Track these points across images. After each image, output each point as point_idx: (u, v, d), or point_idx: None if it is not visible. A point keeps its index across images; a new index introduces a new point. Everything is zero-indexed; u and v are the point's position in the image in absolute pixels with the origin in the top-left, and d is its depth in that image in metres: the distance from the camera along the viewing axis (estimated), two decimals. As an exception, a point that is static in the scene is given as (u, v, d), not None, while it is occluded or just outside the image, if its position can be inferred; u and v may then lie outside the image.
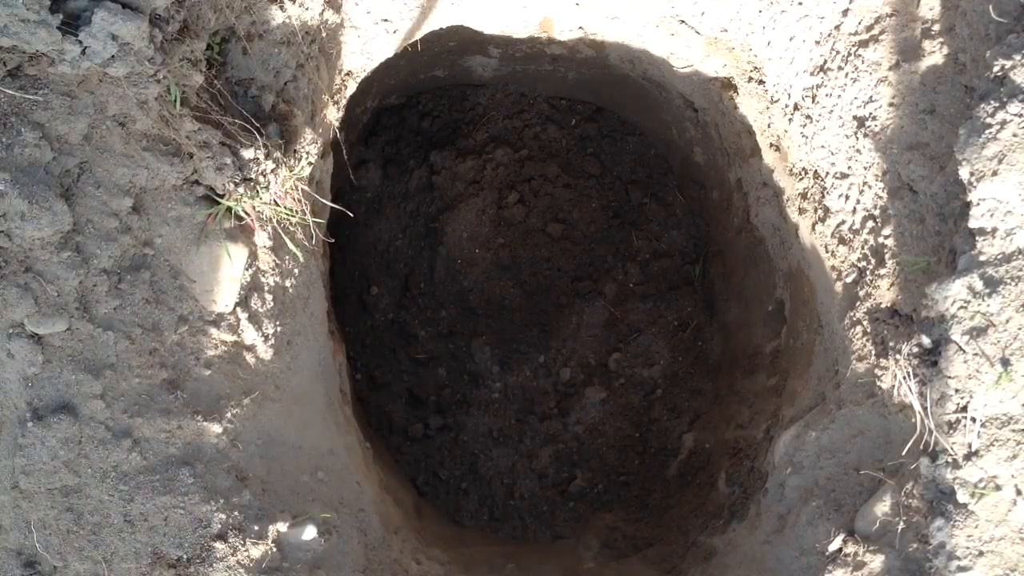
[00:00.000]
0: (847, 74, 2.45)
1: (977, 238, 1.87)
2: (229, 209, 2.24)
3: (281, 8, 2.36)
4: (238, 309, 2.33)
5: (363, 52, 2.94)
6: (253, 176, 2.26)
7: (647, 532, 3.63)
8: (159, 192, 2.14)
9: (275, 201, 2.38)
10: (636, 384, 4.23)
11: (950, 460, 1.89)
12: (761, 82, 3.00)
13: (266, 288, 2.42)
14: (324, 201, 2.82)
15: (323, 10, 2.55)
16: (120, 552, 2.10)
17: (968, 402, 1.87)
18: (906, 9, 2.26)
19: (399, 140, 4.57)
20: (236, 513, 2.25)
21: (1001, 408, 1.84)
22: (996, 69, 1.85)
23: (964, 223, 1.90)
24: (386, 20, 2.89)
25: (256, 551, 2.26)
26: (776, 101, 2.91)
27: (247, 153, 2.23)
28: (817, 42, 2.60)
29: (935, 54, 2.15)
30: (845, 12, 2.46)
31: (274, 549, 2.31)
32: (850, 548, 2.17)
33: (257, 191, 2.29)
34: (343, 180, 4.13)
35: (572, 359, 4.32)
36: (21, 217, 1.90)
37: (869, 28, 2.37)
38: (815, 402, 2.64)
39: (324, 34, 2.63)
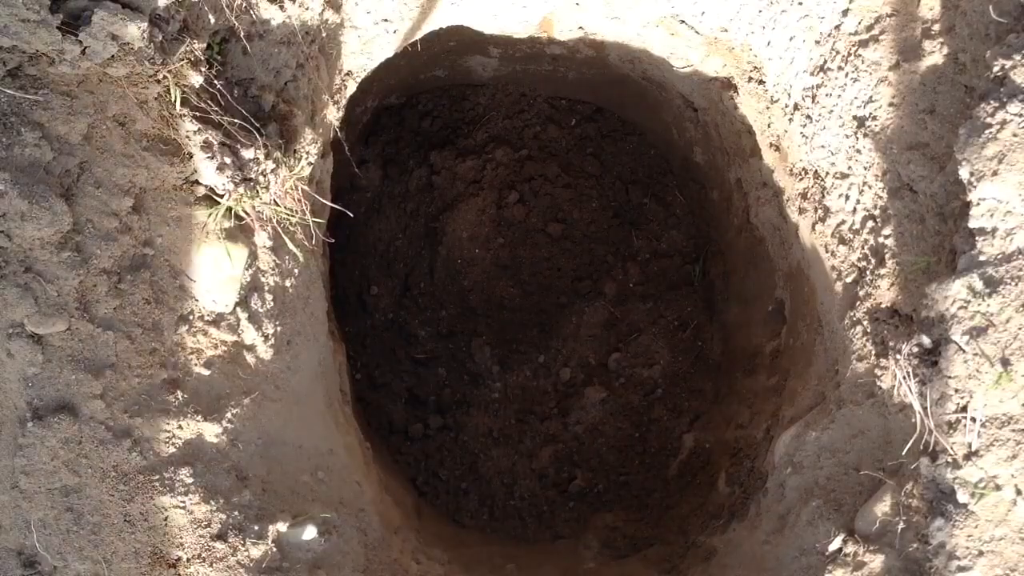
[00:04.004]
0: (847, 74, 2.45)
1: (977, 238, 1.87)
2: (229, 209, 2.24)
3: (281, 8, 2.36)
4: (238, 309, 2.33)
5: (363, 52, 2.94)
6: (253, 176, 2.26)
7: (647, 532, 3.62)
8: (159, 192, 2.14)
9: (275, 201, 2.38)
10: (636, 384, 4.23)
11: (950, 460, 1.89)
12: (761, 82, 3.00)
13: (266, 288, 2.42)
14: (324, 201, 2.82)
15: (323, 10, 2.55)
16: (120, 552, 2.10)
17: (968, 402, 1.87)
18: (906, 9, 2.26)
19: (399, 140, 4.57)
20: (236, 513, 2.25)
21: (1001, 408, 1.84)
22: (996, 69, 1.85)
23: (964, 223, 1.90)
24: (386, 20, 2.89)
25: (256, 551, 2.26)
26: (776, 101, 2.91)
27: (247, 153, 2.23)
28: (817, 42, 2.59)
29: (935, 54, 2.15)
30: (845, 12, 2.46)
31: (274, 549, 2.31)
32: (850, 548, 2.17)
33: (257, 191, 2.29)
34: (343, 180, 4.13)
35: (572, 359, 4.31)
36: (21, 217, 1.90)
37: (869, 28, 2.37)
38: (815, 402, 2.64)
39: (324, 34, 2.63)
